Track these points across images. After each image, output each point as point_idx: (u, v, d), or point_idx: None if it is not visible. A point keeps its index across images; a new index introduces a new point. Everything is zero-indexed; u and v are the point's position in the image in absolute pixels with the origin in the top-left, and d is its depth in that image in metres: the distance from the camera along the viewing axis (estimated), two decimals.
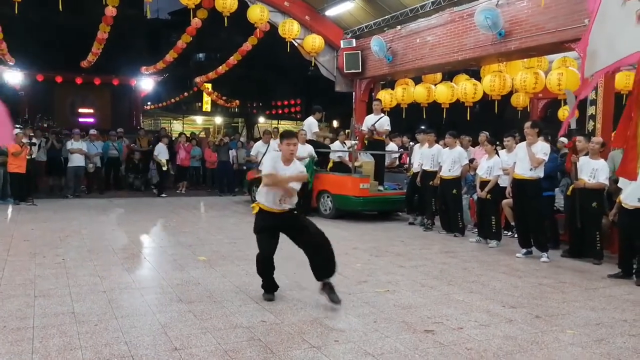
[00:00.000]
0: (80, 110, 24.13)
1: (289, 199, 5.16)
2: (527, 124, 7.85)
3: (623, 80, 11.66)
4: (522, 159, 7.80)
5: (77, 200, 13.31)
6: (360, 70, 14.78)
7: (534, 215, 7.78)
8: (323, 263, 5.14)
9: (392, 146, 12.79)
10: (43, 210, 11.43)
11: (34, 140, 12.76)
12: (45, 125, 19.63)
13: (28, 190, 12.38)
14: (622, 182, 6.75)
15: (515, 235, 8.69)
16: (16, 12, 11.53)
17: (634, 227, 6.54)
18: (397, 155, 13.25)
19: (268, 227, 5.25)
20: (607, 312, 5.27)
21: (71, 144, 13.76)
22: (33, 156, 12.56)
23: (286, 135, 5.35)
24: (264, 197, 5.20)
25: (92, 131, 15.24)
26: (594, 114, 8.75)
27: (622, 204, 6.68)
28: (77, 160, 13.77)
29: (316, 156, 11.42)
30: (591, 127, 8.71)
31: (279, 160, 5.25)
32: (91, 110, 24.33)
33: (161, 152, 14.81)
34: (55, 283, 5.69)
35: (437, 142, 10.26)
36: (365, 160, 11.58)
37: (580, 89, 7.73)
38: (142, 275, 6.34)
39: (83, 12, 24.24)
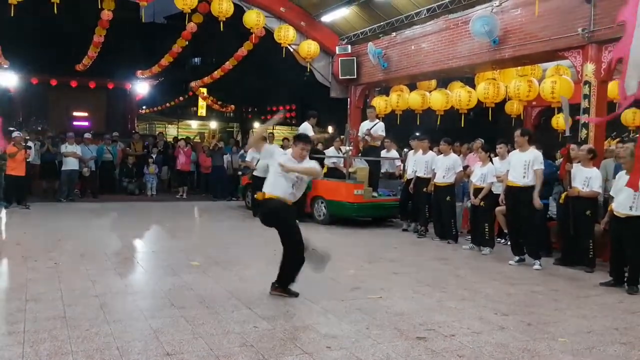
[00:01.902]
0: (75, 113, 24.04)
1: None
2: (517, 132, 7.91)
3: (616, 89, 11.72)
4: (514, 166, 7.84)
5: (70, 204, 13.26)
6: (355, 77, 14.83)
7: (526, 222, 7.81)
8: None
9: (393, 153, 12.76)
10: (36, 213, 11.38)
11: (29, 143, 12.72)
12: (40, 128, 19.55)
13: (24, 193, 12.37)
14: (614, 191, 6.79)
15: (508, 243, 8.73)
16: (12, 14, 11.50)
17: (625, 235, 6.57)
18: (399, 163, 13.10)
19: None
20: (598, 320, 5.30)
21: (65, 148, 13.71)
22: (29, 159, 12.53)
23: (303, 139, 5.60)
24: (281, 189, 5.38)
25: (87, 135, 15.21)
26: (586, 122, 8.81)
27: (614, 212, 6.71)
28: (71, 164, 13.70)
29: None
30: (584, 135, 8.77)
31: (292, 159, 5.48)
32: (86, 114, 24.25)
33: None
34: (47, 287, 5.66)
35: (431, 148, 10.30)
36: (360, 166, 11.60)
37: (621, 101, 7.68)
38: (135, 280, 6.32)
39: (78, 15, 24.18)
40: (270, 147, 5.80)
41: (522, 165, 7.72)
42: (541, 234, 8.34)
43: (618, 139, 10.76)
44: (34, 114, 21.96)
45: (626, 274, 6.60)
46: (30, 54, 24.75)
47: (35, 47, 27.20)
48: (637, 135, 10.49)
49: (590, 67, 8.78)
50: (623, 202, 6.56)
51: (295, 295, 5.42)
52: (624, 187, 6.54)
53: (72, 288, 5.66)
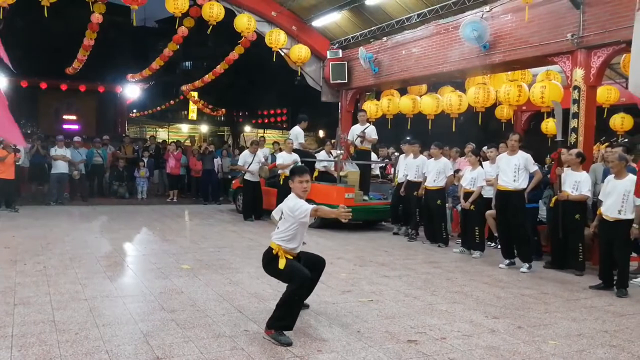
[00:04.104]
0: (65, 117, 23.91)
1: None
2: (515, 136, 7.94)
3: (604, 94, 11.86)
4: (504, 170, 7.88)
5: (59, 208, 13.17)
6: (346, 81, 14.87)
7: (518, 226, 7.84)
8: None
9: (372, 157, 12.85)
10: (25, 217, 11.29)
11: (18, 146, 12.61)
12: (29, 131, 19.42)
13: (13, 196, 12.28)
14: (602, 195, 6.84)
15: (499, 246, 8.77)
16: (1, 16, 11.43)
17: (614, 239, 6.62)
18: (380, 164, 13.32)
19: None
20: (588, 323, 5.32)
21: (55, 151, 13.63)
22: (18, 162, 12.43)
23: (297, 171, 4.81)
24: (292, 244, 4.68)
25: (76, 138, 15.12)
26: (576, 126, 8.88)
27: (603, 216, 6.76)
28: (60, 167, 13.63)
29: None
30: (574, 140, 8.84)
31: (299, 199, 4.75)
32: (76, 117, 24.14)
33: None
34: (35, 291, 5.62)
35: (422, 152, 10.34)
36: (351, 170, 11.61)
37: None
38: (125, 284, 6.28)
39: (69, 18, 24.08)
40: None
41: (511, 168, 7.77)
42: (532, 238, 8.38)
43: (607, 144, 10.84)
44: (23, 117, 21.77)
45: (615, 277, 6.64)
46: (20, 57, 24.55)
47: (25, 50, 26.99)
48: (626, 140, 10.59)
49: (579, 72, 8.86)
50: (612, 206, 6.61)
51: (288, 344, 4.34)
52: (613, 191, 6.61)
53: (61, 292, 5.62)
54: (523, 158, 7.77)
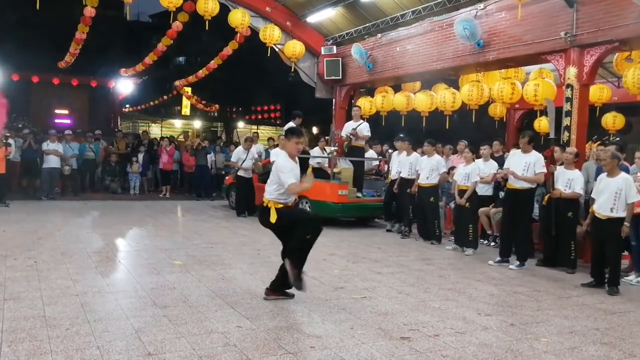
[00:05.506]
0: (57, 111, 23.78)
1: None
2: (524, 139, 7.93)
3: (597, 93, 11.90)
4: (513, 167, 7.84)
5: (51, 202, 13.09)
6: (340, 77, 14.83)
7: (523, 225, 7.85)
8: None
9: (371, 153, 12.87)
10: (16, 211, 11.21)
11: (9, 140, 12.52)
12: (20, 125, 19.28)
13: (4, 191, 12.19)
14: (595, 193, 6.87)
15: (492, 244, 8.78)
16: None
17: (606, 237, 6.65)
18: (376, 162, 13.34)
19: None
20: (580, 320, 5.35)
21: (47, 145, 13.54)
22: (9, 157, 12.34)
23: (297, 133, 5.34)
24: (283, 198, 5.24)
25: (68, 132, 15.02)
26: (568, 125, 8.91)
27: (595, 214, 6.78)
28: (52, 162, 13.54)
29: None
30: (566, 138, 8.86)
31: (289, 161, 5.27)
32: (68, 112, 24.01)
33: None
34: (26, 286, 5.57)
35: (415, 149, 10.34)
36: (344, 166, 11.60)
37: None
38: (117, 279, 6.24)
39: (62, 11, 23.91)
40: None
41: (521, 166, 7.73)
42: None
43: (599, 142, 10.88)
44: (15, 111, 21.61)
45: (607, 275, 6.67)
46: (12, 50, 24.41)
47: (17, 43, 26.84)
48: (618, 139, 10.62)
49: (572, 71, 8.88)
50: (604, 204, 6.63)
51: (291, 296, 5.38)
52: (605, 189, 6.64)
53: (52, 287, 5.58)
54: (535, 157, 7.75)
